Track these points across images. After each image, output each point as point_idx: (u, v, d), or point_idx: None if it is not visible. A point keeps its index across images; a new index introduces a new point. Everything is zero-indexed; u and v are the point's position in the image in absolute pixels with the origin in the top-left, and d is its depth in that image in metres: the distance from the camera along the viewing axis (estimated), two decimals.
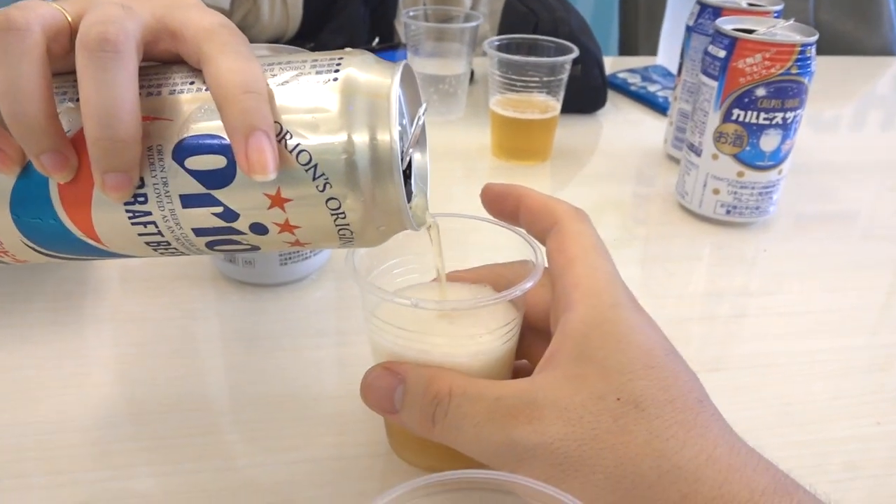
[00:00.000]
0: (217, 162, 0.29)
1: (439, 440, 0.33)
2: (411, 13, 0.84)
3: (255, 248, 0.33)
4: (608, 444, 0.29)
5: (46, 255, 0.34)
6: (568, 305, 0.33)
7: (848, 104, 1.04)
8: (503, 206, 0.38)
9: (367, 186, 0.29)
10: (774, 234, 0.66)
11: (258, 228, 0.31)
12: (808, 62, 0.59)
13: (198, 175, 0.29)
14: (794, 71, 0.58)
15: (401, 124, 0.32)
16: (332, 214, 0.30)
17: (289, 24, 1.05)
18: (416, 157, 0.36)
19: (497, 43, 0.75)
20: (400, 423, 0.34)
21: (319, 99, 0.29)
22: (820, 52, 0.59)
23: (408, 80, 0.33)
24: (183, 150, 0.29)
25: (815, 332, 0.53)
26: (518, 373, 0.39)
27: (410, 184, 0.34)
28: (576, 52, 0.73)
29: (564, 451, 0.29)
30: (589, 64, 0.85)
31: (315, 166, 0.29)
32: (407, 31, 0.84)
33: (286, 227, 0.30)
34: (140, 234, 0.31)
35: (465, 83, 0.87)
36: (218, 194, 0.30)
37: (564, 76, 0.74)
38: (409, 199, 0.33)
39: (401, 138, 0.30)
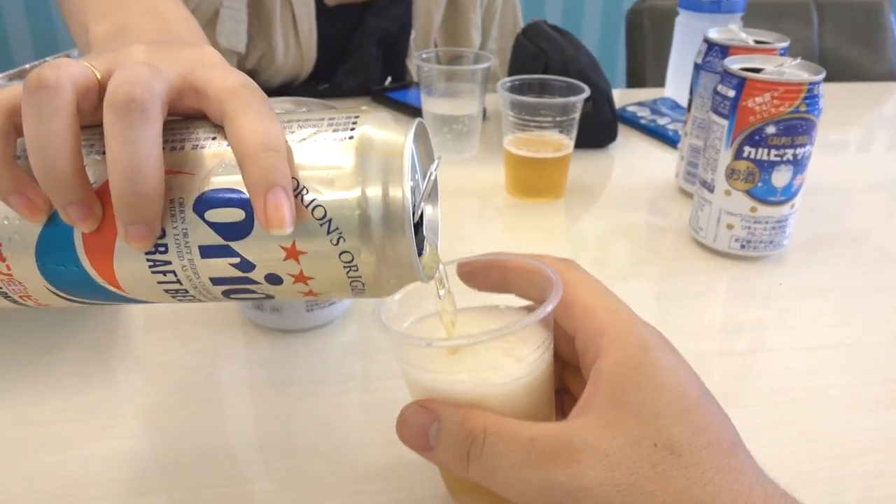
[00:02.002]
0: (236, 215, 0.31)
1: (475, 479, 0.33)
2: (423, 55, 0.86)
3: (269, 297, 0.34)
4: (647, 492, 0.29)
5: (68, 299, 0.35)
6: (598, 353, 0.33)
7: (855, 129, 1.05)
8: (488, 278, 0.39)
9: (379, 241, 0.30)
10: (789, 266, 0.66)
11: (273, 279, 0.32)
12: (816, 99, 0.60)
13: (217, 227, 0.31)
14: (802, 109, 0.59)
15: (413, 179, 0.33)
16: (345, 267, 0.31)
17: (303, 65, 1.07)
18: (428, 210, 0.37)
19: (509, 84, 0.76)
20: (435, 461, 0.35)
21: (335, 156, 0.31)
22: (826, 78, 0.61)
23: (421, 136, 0.35)
24: (203, 203, 0.31)
25: (831, 366, 0.53)
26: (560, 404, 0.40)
27: (422, 235, 0.36)
28: (587, 92, 0.75)
29: (605, 497, 0.30)
30: (599, 100, 0.86)
31: (329, 221, 0.30)
32: (420, 73, 0.86)
33: (300, 278, 0.32)
34: (160, 283, 0.33)
35: (479, 122, 0.88)
36: (236, 246, 0.31)
37: (576, 115, 0.75)
38: (420, 251, 0.34)
39: (412, 192, 0.31)
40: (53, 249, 0.32)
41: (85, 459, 0.43)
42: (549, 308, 0.33)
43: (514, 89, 0.76)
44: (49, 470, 0.43)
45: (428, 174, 0.35)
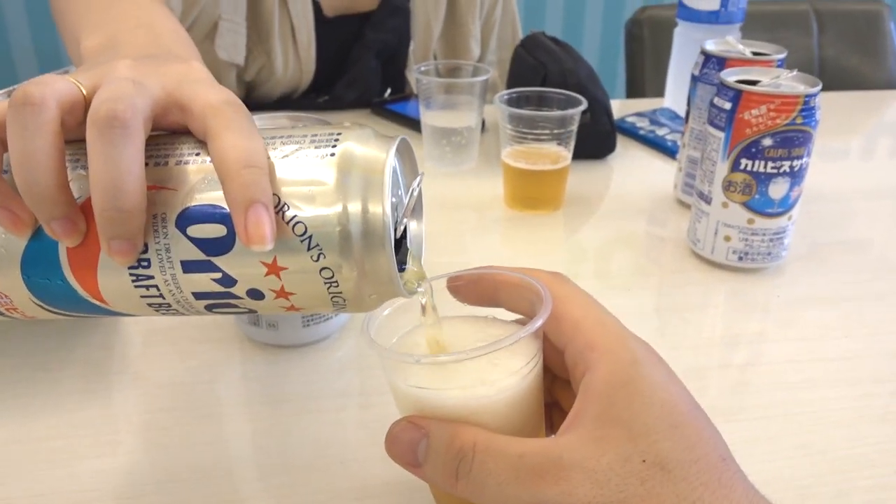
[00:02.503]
0: (217, 231, 0.31)
1: (463, 496, 0.33)
2: (422, 68, 0.86)
3: (252, 311, 0.34)
4: None
5: (53, 312, 0.35)
6: (587, 367, 0.33)
7: (855, 137, 1.05)
8: (478, 292, 0.39)
9: (359, 257, 0.31)
10: (787, 278, 0.66)
11: (255, 294, 0.32)
12: (813, 112, 0.60)
13: (199, 242, 0.31)
14: (798, 121, 0.59)
15: (395, 195, 0.34)
16: (326, 283, 0.31)
17: (302, 77, 1.07)
18: (412, 226, 0.37)
19: (507, 97, 0.77)
20: (423, 477, 0.35)
21: (317, 172, 0.31)
22: (826, 87, 0.61)
23: (404, 152, 0.35)
24: (186, 219, 0.31)
25: (831, 379, 0.53)
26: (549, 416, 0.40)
27: (405, 250, 0.36)
28: (585, 104, 0.75)
29: None
30: (598, 112, 0.86)
31: (310, 237, 0.30)
32: (419, 85, 0.86)
33: (282, 293, 0.32)
34: (143, 297, 0.33)
35: (477, 134, 0.88)
36: (217, 261, 0.31)
37: (574, 127, 0.75)
38: (403, 266, 0.34)
39: (394, 209, 0.31)
40: (38, 263, 0.33)
41: (83, 475, 0.43)
42: (538, 323, 0.33)
43: (512, 102, 0.77)
44: (47, 486, 0.43)
45: (411, 190, 0.35)
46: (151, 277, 0.32)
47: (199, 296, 0.33)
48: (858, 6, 1.51)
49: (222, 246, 0.31)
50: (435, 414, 0.34)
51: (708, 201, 0.65)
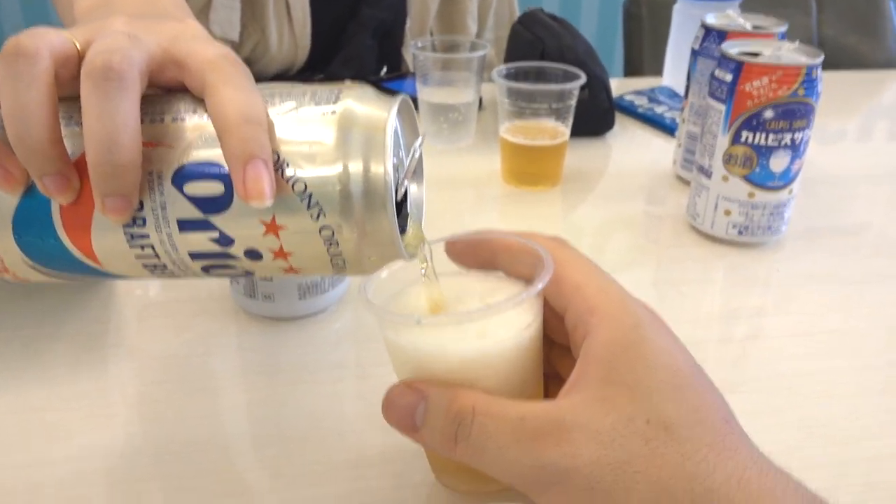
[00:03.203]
0: (215, 188, 0.30)
1: (462, 460, 0.32)
2: (419, 44, 0.85)
3: (249, 273, 0.33)
4: (641, 469, 0.29)
5: (46, 274, 0.35)
6: (588, 331, 0.33)
7: (853, 117, 1.04)
8: (477, 256, 0.38)
9: (360, 217, 0.30)
10: (787, 253, 0.66)
11: (253, 254, 0.32)
12: (815, 83, 0.59)
13: (195, 200, 0.30)
14: (800, 92, 0.59)
15: (397, 156, 0.33)
16: (326, 243, 0.31)
17: (297, 55, 1.06)
18: (413, 189, 0.37)
19: (505, 71, 0.76)
20: (421, 442, 0.34)
21: (317, 130, 0.30)
22: (824, 66, 0.60)
23: (405, 112, 0.34)
24: (182, 176, 0.30)
25: (832, 352, 0.53)
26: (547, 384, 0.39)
27: (406, 213, 0.35)
28: (583, 79, 0.74)
29: (598, 476, 0.29)
30: (596, 88, 0.85)
31: (310, 196, 0.30)
32: (415, 61, 0.85)
33: (280, 253, 0.31)
34: (138, 257, 0.32)
35: (474, 111, 0.88)
36: (214, 220, 0.31)
37: (573, 102, 0.75)
38: (403, 229, 0.34)
39: (396, 169, 0.31)
40: (31, 222, 0.32)
41: (77, 448, 0.43)
42: (540, 285, 0.33)
43: (511, 76, 0.76)
44: (41, 458, 0.42)
45: (412, 151, 0.35)
46: (147, 237, 0.31)
47: (195, 256, 0.32)
48: None
49: (220, 204, 0.30)
50: (434, 372, 0.34)
51: (708, 175, 0.65)
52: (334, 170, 0.30)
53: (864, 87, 1.18)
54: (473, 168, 0.83)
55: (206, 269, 0.33)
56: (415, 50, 0.85)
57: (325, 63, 1.09)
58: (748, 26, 0.72)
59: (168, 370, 0.50)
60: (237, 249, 0.31)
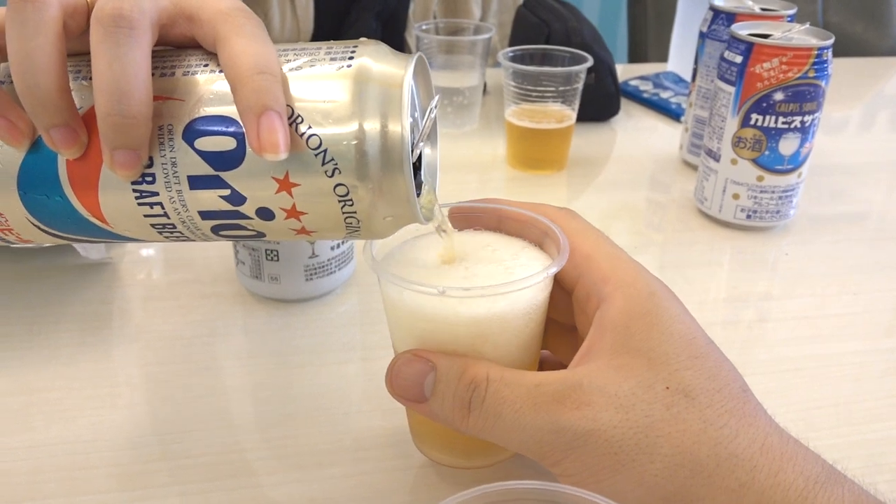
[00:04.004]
0: (227, 144, 0.29)
1: (473, 430, 0.32)
2: (423, 27, 0.84)
3: (260, 235, 0.32)
4: (664, 433, 0.29)
5: (51, 234, 0.34)
6: (601, 299, 0.32)
7: (858, 105, 1.04)
8: (482, 224, 0.38)
9: (376, 175, 0.29)
10: (795, 237, 0.65)
11: (265, 213, 0.31)
12: (825, 65, 0.59)
13: (207, 156, 0.30)
14: (811, 74, 0.58)
15: (412, 116, 0.32)
16: (340, 201, 0.30)
17: (300, 38, 1.06)
18: (427, 152, 0.36)
19: (511, 54, 0.75)
20: (427, 412, 0.33)
21: (332, 86, 0.29)
22: None
23: (421, 72, 0.33)
24: (193, 131, 0.30)
25: (840, 335, 0.53)
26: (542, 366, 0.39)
27: (420, 177, 0.34)
28: (590, 62, 0.73)
29: (619, 440, 0.29)
30: (602, 72, 0.85)
31: (325, 152, 0.29)
32: (419, 44, 0.85)
33: (293, 212, 0.31)
34: (146, 216, 0.31)
35: (479, 94, 0.87)
36: (226, 176, 0.30)
37: (579, 85, 0.74)
38: (418, 193, 0.33)
39: (412, 130, 0.30)
40: (36, 178, 0.31)
41: (83, 428, 0.43)
42: (563, 261, 0.33)
43: (517, 59, 0.75)
44: (47, 438, 0.42)
45: (427, 112, 0.34)
46: (156, 194, 0.30)
47: (205, 215, 0.31)
48: None
49: (232, 160, 0.29)
50: (437, 332, 0.33)
51: (717, 159, 0.64)
52: (350, 126, 0.29)
53: (870, 74, 1.18)
54: (478, 152, 0.82)
55: (216, 230, 0.32)
56: (419, 32, 0.84)
57: None
58: (757, 9, 0.72)
59: (173, 352, 0.49)
60: (249, 208, 0.31)
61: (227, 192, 0.30)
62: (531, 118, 0.74)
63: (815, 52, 0.58)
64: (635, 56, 1.40)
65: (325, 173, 0.29)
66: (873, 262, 0.62)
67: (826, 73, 0.59)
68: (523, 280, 0.32)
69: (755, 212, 0.64)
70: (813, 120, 0.60)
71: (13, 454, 0.41)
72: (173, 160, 0.30)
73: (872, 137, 0.94)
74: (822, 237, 0.66)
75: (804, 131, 0.60)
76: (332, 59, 0.30)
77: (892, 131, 0.96)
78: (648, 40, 1.35)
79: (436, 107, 0.34)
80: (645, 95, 0.96)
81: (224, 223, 0.32)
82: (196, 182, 0.30)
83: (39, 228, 0.33)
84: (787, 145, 0.61)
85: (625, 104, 0.95)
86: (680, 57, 1.04)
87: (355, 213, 0.30)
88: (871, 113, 1.03)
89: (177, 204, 0.31)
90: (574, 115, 0.75)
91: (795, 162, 0.62)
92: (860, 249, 0.64)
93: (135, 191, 0.31)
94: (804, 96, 0.59)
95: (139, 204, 0.31)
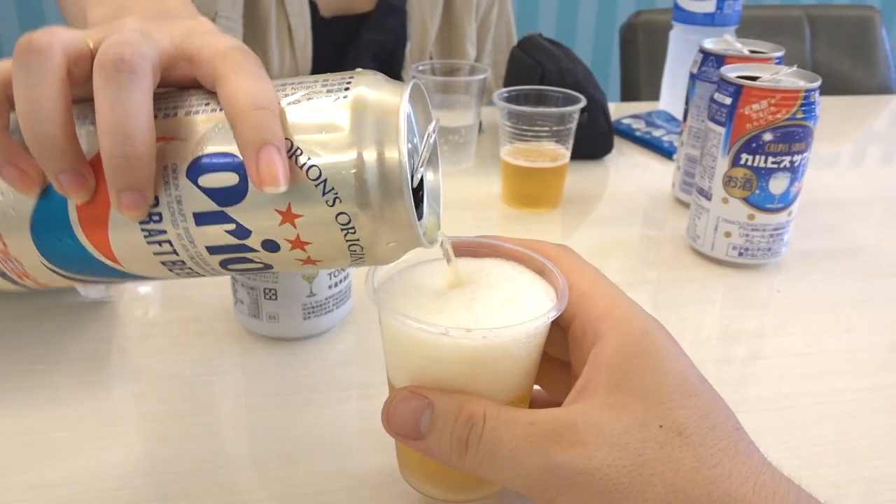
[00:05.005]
0: (229, 179, 0.30)
1: (470, 468, 0.32)
2: (420, 67, 0.86)
3: (268, 267, 0.33)
4: (657, 471, 0.29)
5: (65, 276, 0.34)
6: (597, 337, 0.33)
7: (848, 142, 1.06)
8: (481, 258, 0.38)
9: (377, 202, 0.30)
10: (787, 275, 0.66)
11: (270, 245, 0.32)
12: (813, 107, 0.60)
13: (211, 193, 0.31)
14: (799, 116, 0.59)
15: (411, 142, 0.33)
16: (343, 230, 0.31)
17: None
18: (429, 177, 0.36)
19: (506, 94, 0.77)
20: (423, 449, 0.33)
21: (329, 116, 0.30)
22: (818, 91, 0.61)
23: (418, 98, 0.34)
24: (197, 169, 0.31)
25: (834, 372, 0.53)
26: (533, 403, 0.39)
27: (423, 202, 0.35)
28: (583, 102, 0.75)
29: (613, 478, 0.29)
30: (595, 112, 0.86)
31: (325, 182, 0.30)
32: None
33: (297, 243, 0.31)
34: (156, 254, 0.32)
35: (475, 133, 0.88)
36: (230, 211, 0.31)
37: (573, 125, 0.75)
38: (420, 217, 0.34)
39: (410, 155, 0.31)
40: (48, 222, 0.32)
41: (81, 467, 0.43)
42: (563, 304, 0.33)
43: (512, 99, 0.76)
44: (45, 477, 0.42)
45: (426, 136, 0.34)
46: (164, 232, 0.31)
47: (213, 250, 0.32)
48: (850, 12, 1.52)
49: (235, 195, 0.30)
50: (436, 363, 0.33)
51: (708, 197, 0.65)
52: (349, 155, 0.29)
53: (859, 111, 1.20)
54: (474, 190, 0.83)
55: (224, 265, 0.33)
56: (415, 73, 0.86)
57: None
58: (746, 51, 0.73)
59: (172, 390, 0.50)
60: (254, 241, 0.31)
61: (232, 226, 0.31)
62: (526, 157, 0.75)
63: (803, 94, 0.59)
64: (628, 94, 1.42)
65: (327, 203, 0.30)
66: (865, 298, 0.63)
67: (814, 114, 0.60)
68: (525, 324, 0.32)
69: (747, 249, 0.65)
70: (802, 160, 0.62)
71: (13, 495, 0.41)
72: (178, 198, 0.31)
73: (862, 173, 0.96)
74: (814, 273, 0.67)
75: (793, 171, 0.62)
76: (328, 91, 0.31)
77: (882, 167, 0.98)
78: (640, 79, 1.37)
79: (434, 131, 0.34)
80: (637, 134, 0.98)
81: (231, 257, 0.32)
82: (202, 218, 0.31)
83: (54, 271, 0.34)
84: (777, 184, 0.62)
85: (618, 142, 0.96)
86: (671, 96, 1.06)
87: (358, 240, 0.31)
88: (861, 149, 1.04)
89: (184, 240, 0.32)
90: (568, 153, 0.77)
91: (786, 201, 0.63)
92: (852, 285, 0.65)
93: (143, 230, 0.31)
94: (793, 137, 0.60)
95: (148, 243, 0.32)
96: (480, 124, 0.94)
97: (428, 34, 1.14)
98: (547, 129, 0.75)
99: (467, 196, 0.82)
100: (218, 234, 0.31)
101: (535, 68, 0.88)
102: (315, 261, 0.32)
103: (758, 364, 0.55)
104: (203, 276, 0.34)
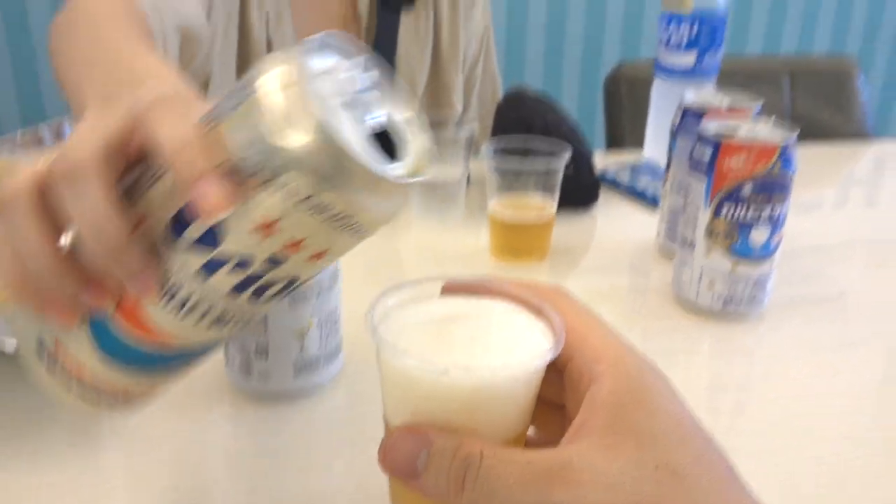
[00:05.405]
0: (202, 224, 0.31)
1: None
2: None
3: (293, 280, 0.34)
4: None
5: (154, 380, 0.38)
6: (593, 378, 0.33)
7: (829, 188, 1.08)
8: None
9: (327, 174, 0.29)
10: (770, 323, 0.67)
11: (275, 261, 0.32)
12: (790, 159, 0.62)
13: (199, 244, 0.32)
14: (777, 168, 0.61)
15: (343, 93, 0.32)
16: (320, 215, 0.30)
17: None
18: (396, 117, 0.34)
19: (493, 148, 0.78)
20: (420, 487, 0.33)
21: (246, 121, 0.30)
22: (799, 140, 0.63)
23: (331, 48, 0.33)
24: (177, 231, 0.32)
25: (820, 420, 0.54)
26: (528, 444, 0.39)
27: (397, 144, 0.34)
28: (569, 154, 0.77)
29: None
30: (580, 163, 0.88)
31: (271, 181, 0.30)
32: None
33: (293, 246, 0.32)
34: (198, 320, 0.34)
35: (463, 186, 0.90)
36: (223, 251, 0.32)
37: (559, 177, 0.77)
38: (402, 157, 0.33)
39: (350, 107, 0.31)
40: (106, 337, 0.35)
41: None
42: (560, 346, 0.34)
43: (499, 152, 0.78)
44: None
45: (364, 77, 0.33)
46: (189, 297, 0.33)
47: (236, 289, 0.33)
48: (827, 63, 1.57)
49: (217, 234, 0.31)
50: (433, 401, 0.33)
51: (692, 248, 0.67)
52: (276, 149, 0.29)
53: (838, 158, 1.22)
54: (462, 243, 0.84)
55: (256, 296, 0.34)
56: None
57: None
58: (725, 105, 0.76)
59: (161, 451, 0.50)
60: (259, 265, 0.32)
61: (233, 262, 0.32)
62: (514, 210, 0.77)
63: (781, 147, 0.61)
64: (613, 143, 1.45)
65: (286, 199, 0.30)
66: (849, 343, 0.64)
67: (791, 166, 0.62)
68: (523, 364, 0.33)
69: (731, 299, 0.66)
70: (782, 210, 0.63)
71: None
72: (181, 263, 0.32)
73: (843, 218, 0.97)
74: (797, 321, 0.68)
75: (774, 221, 0.63)
76: (238, 100, 0.31)
77: (862, 211, 1.00)
78: (625, 128, 1.40)
79: (368, 67, 0.34)
80: (622, 184, 0.99)
81: (256, 287, 0.34)
82: (208, 268, 0.32)
83: (140, 381, 0.37)
84: (759, 235, 0.63)
85: (604, 192, 0.98)
86: (655, 145, 1.08)
87: (341, 215, 0.31)
88: (842, 194, 1.06)
89: (208, 293, 0.33)
90: (555, 205, 0.78)
91: (767, 251, 0.64)
92: (834, 332, 0.66)
93: (170, 307, 0.33)
94: (772, 188, 0.62)
95: (185, 315, 0.34)
96: (469, 176, 0.96)
97: (416, 87, 1.16)
98: (533, 181, 0.76)
99: (456, 248, 0.83)
100: (227, 275, 0.32)
101: (522, 121, 0.90)
102: (322, 252, 0.33)
103: (745, 413, 0.55)
104: (252, 315, 0.36)
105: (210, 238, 0.32)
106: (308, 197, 0.30)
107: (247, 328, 0.37)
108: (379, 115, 0.33)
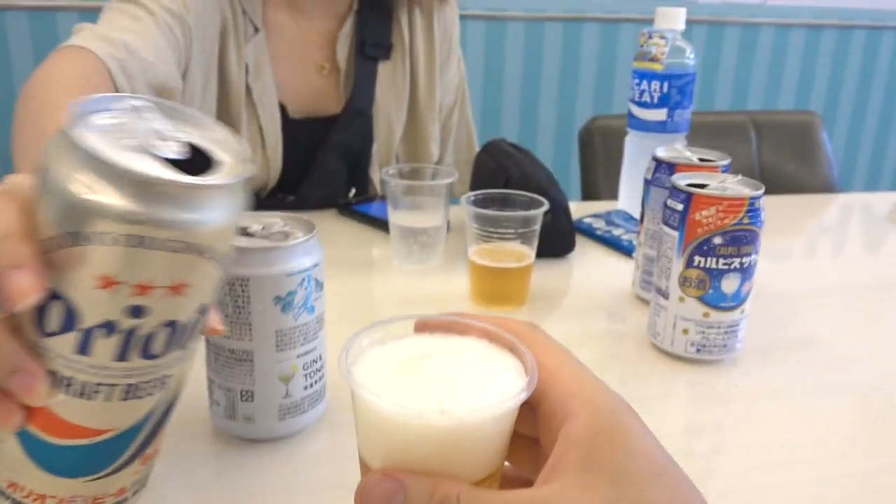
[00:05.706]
0: (57, 310, 0.32)
1: None
2: (389, 171, 0.90)
3: (174, 324, 0.34)
4: None
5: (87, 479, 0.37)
6: (566, 415, 0.34)
7: (797, 238, 1.11)
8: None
9: (124, 206, 0.30)
10: (743, 369, 0.69)
11: (136, 310, 0.32)
12: (758, 212, 0.65)
13: (60, 327, 0.32)
14: (745, 221, 0.64)
15: (133, 135, 0.33)
16: (142, 246, 0.31)
17: (269, 177, 1.11)
18: (197, 140, 0.36)
19: (473, 198, 0.80)
20: None
21: (45, 193, 0.32)
22: (767, 191, 0.66)
23: (103, 104, 0.34)
24: (38, 322, 0.33)
25: (790, 465, 0.55)
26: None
27: (208, 155, 0.35)
28: (547, 206, 0.79)
29: None
30: (557, 213, 0.90)
31: (68, 236, 0.31)
32: (386, 187, 0.90)
33: (143, 288, 0.32)
34: (107, 399, 0.34)
35: (443, 233, 0.92)
36: (82, 324, 0.32)
37: (537, 227, 0.79)
38: (212, 169, 0.34)
39: (140, 149, 0.32)
40: (32, 445, 0.35)
41: None
42: (534, 384, 0.34)
43: (478, 203, 0.80)
44: None
45: (131, 109, 0.35)
46: (85, 383, 0.34)
47: (121, 356, 0.33)
48: (792, 117, 1.63)
49: (71, 311, 0.32)
50: (407, 442, 0.34)
51: (665, 296, 0.69)
52: (70, 202, 0.31)
53: (805, 209, 1.26)
54: (442, 288, 0.86)
55: (145, 353, 0.34)
56: (385, 177, 0.89)
57: (295, 185, 1.14)
58: (695, 159, 0.79)
59: (146, 493, 0.50)
60: (124, 320, 0.32)
61: (99, 330, 0.32)
62: (493, 257, 0.79)
63: (749, 201, 0.64)
64: (588, 193, 1.48)
65: (106, 246, 0.31)
66: (818, 391, 0.66)
67: (759, 218, 0.65)
68: (497, 405, 0.33)
69: (704, 346, 0.68)
70: (751, 261, 0.66)
71: None
72: (58, 351, 0.33)
73: (812, 267, 1.01)
74: (769, 367, 0.70)
75: (744, 271, 0.66)
76: (37, 180, 0.33)
77: (830, 261, 1.03)
78: (599, 179, 1.44)
79: (134, 98, 0.35)
80: (598, 233, 1.02)
81: (139, 347, 0.34)
82: (82, 347, 0.33)
83: (88, 481, 0.37)
84: (729, 284, 0.66)
85: (580, 240, 1.00)
86: (629, 196, 1.11)
87: (167, 240, 0.31)
88: (810, 243, 1.10)
89: (101, 369, 0.33)
90: (533, 253, 0.80)
91: (738, 299, 0.67)
92: (805, 378, 0.68)
93: (70, 395, 0.34)
94: (741, 240, 0.64)
95: (91, 398, 0.34)
96: (448, 223, 0.98)
97: (394, 135, 1.19)
98: (512, 230, 0.78)
99: (436, 294, 0.84)
100: (102, 346, 0.33)
101: (500, 173, 0.92)
102: (179, 286, 0.33)
103: (720, 457, 0.57)
104: (167, 379, 0.36)
105: (67, 317, 0.32)
106: (126, 235, 0.31)
107: (179, 388, 0.37)
108: (174, 144, 0.34)
